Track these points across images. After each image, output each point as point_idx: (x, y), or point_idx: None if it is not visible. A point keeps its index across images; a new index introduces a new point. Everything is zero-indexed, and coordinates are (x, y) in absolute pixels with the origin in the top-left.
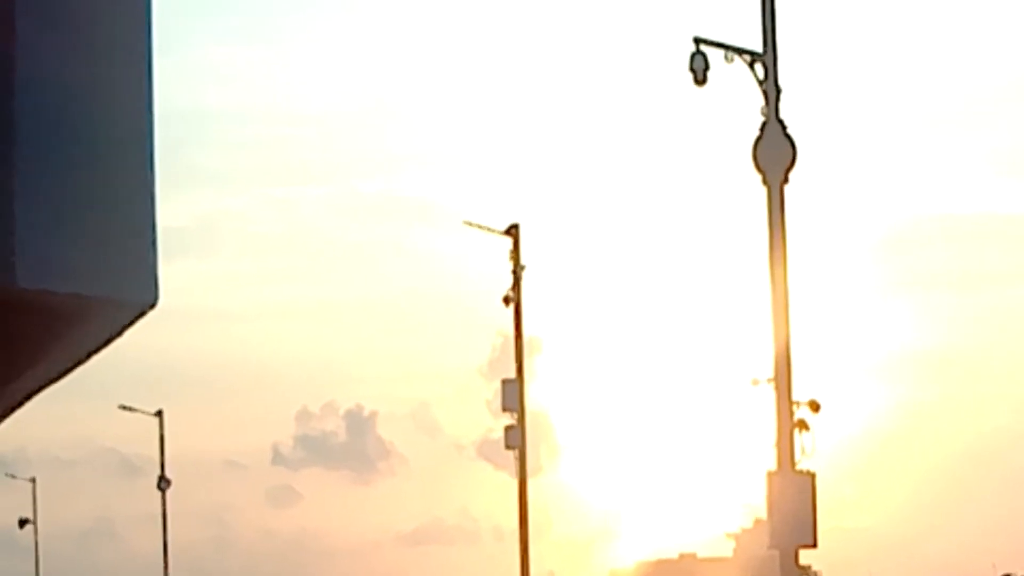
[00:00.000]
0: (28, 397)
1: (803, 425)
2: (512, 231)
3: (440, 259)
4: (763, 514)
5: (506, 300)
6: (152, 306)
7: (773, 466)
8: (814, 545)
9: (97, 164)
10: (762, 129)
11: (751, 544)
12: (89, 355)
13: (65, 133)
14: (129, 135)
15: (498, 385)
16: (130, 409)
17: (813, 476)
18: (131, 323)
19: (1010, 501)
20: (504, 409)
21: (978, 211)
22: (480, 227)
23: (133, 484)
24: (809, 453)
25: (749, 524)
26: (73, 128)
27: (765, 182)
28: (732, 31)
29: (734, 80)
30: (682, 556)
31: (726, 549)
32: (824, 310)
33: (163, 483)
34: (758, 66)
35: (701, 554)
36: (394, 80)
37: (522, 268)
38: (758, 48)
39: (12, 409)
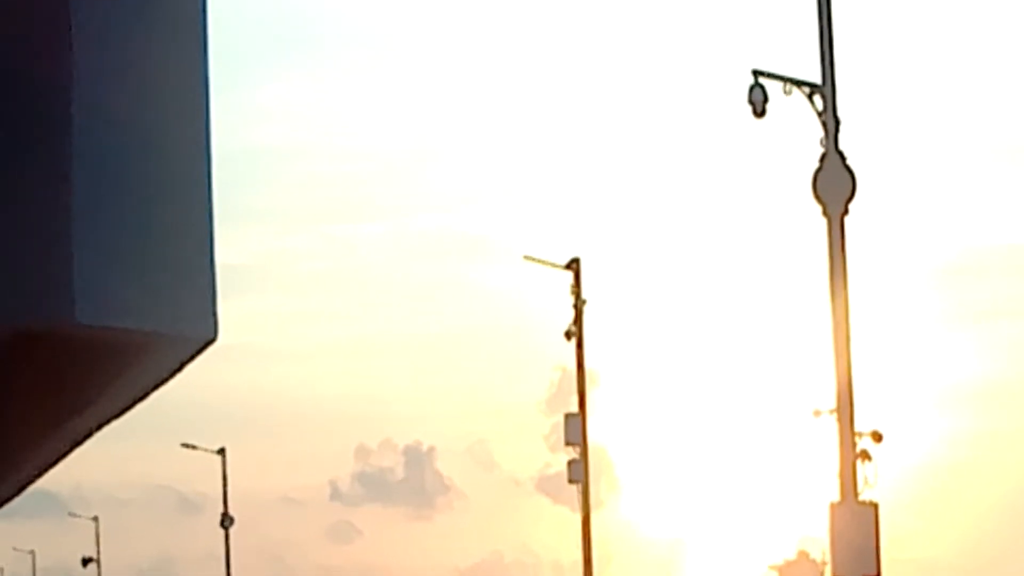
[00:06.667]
0: (87, 435)
1: (866, 456)
2: (573, 265)
3: (499, 294)
4: (811, 546)
5: (568, 335)
6: (211, 341)
7: (836, 497)
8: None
9: (155, 199)
10: (822, 161)
11: None
12: (148, 392)
13: (123, 168)
14: (187, 170)
15: (555, 420)
16: (192, 447)
17: (876, 507)
18: (190, 359)
19: None
20: (567, 443)
21: None
22: (541, 262)
23: (193, 522)
24: (872, 484)
25: (793, 556)
26: (131, 163)
27: (825, 214)
28: (790, 63)
29: (793, 112)
30: None
31: None
32: (886, 341)
33: (227, 521)
34: (817, 98)
35: None
36: (451, 115)
37: (583, 302)
38: (817, 80)
39: (71, 448)
